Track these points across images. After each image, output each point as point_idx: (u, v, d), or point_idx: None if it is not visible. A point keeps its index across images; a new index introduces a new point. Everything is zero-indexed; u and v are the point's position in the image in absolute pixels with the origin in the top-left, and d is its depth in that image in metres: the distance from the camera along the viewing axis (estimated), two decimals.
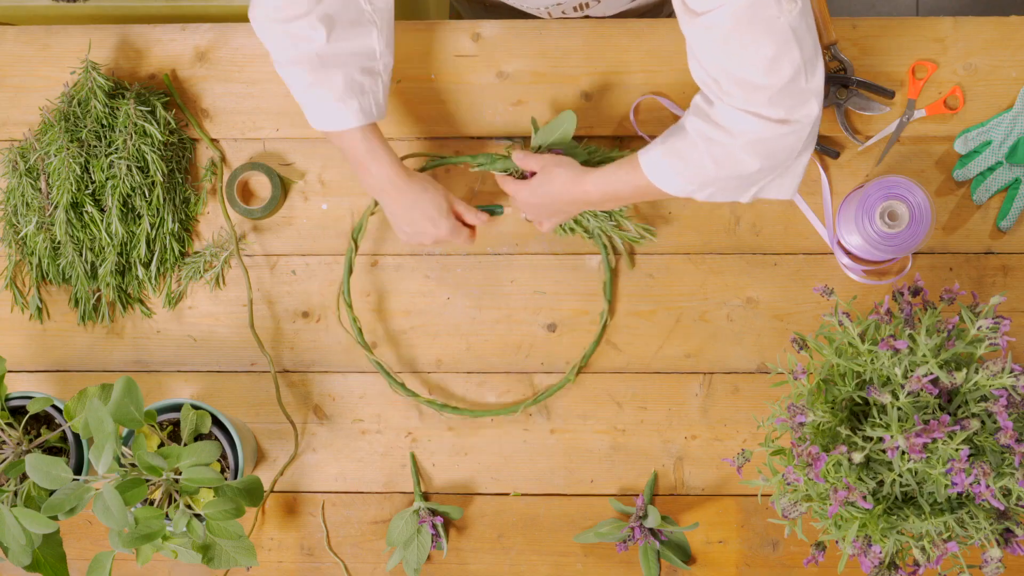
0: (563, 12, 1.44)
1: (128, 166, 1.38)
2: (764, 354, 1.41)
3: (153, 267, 1.41)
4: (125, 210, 1.39)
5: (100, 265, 1.40)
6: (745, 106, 1.10)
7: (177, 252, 1.42)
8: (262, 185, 1.44)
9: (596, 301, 1.42)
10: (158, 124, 1.40)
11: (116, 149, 1.39)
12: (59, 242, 1.39)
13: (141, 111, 1.39)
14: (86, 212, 1.38)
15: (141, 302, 1.43)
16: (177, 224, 1.41)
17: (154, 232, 1.40)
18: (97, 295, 1.42)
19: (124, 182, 1.38)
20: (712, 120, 1.13)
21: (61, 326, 1.44)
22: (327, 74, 1.21)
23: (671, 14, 1.61)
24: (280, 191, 1.42)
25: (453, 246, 1.42)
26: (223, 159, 1.44)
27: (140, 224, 1.39)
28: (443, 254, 1.43)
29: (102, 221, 1.38)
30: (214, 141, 1.45)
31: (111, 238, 1.38)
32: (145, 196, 1.39)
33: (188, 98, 1.46)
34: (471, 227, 1.34)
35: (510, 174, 1.36)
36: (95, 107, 1.39)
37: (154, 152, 1.39)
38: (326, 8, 1.18)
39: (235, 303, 1.44)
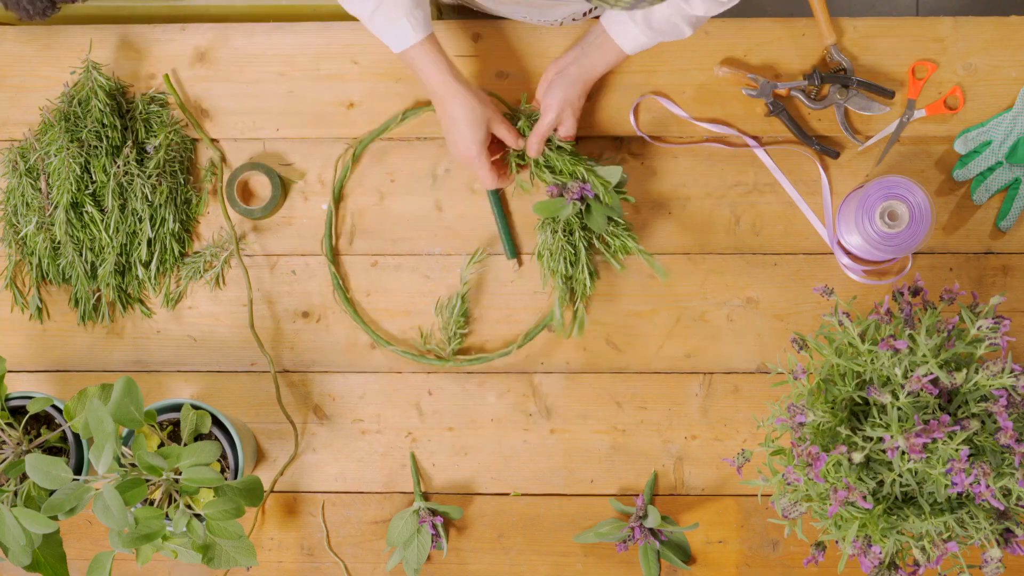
0: (573, 19, 1.45)
1: (129, 166, 1.38)
2: (764, 354, 1.41)
3: (153, 267, 1.41)
4: (125, 210, 1.39)
5: (100, 265, 1.40)
6: None
7: (177, 252, 1.42)
8: (262, 185, 1.44)
9: (596, 301, 1.42)
10: (159, 124, 1.40)
11: (116, 149, 1.39)
12: (59, 242, 1.39)
13: (143, 111, 1.39)
14: (86, 212, 1.38)
15: (141, 302, 1.43)
16: (178, 224, 1.41)
17: (154, 232, 1.40)
18: (97, 295, 1.42)
19: (125, 182, 1.38)
20: None
21: (61, 326, 1.44)
22: None
23: None
24: (280, 191, 1.42)
25: (456, 230, 1.44)
26: (223, 159, 1.44)
27: (141, 225, 1.39)
28: (443, 254, 1.43)
29: (102, 221, 1.38)
30: (214, 141, 1.45)
31: (111, 239, 1.38)
32: (147, 197, 1.39)
33: (188, 98, 1.45)
34: (501, 172, 1.38)
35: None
36: (95, 107, 1.39)
37: (156, 152, 1.39)
38: None
39: (235, 303, 1.44)
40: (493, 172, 1.36)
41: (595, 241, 1.39)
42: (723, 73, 1.42)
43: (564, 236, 1.38)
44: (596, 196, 1.36)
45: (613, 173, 1.38)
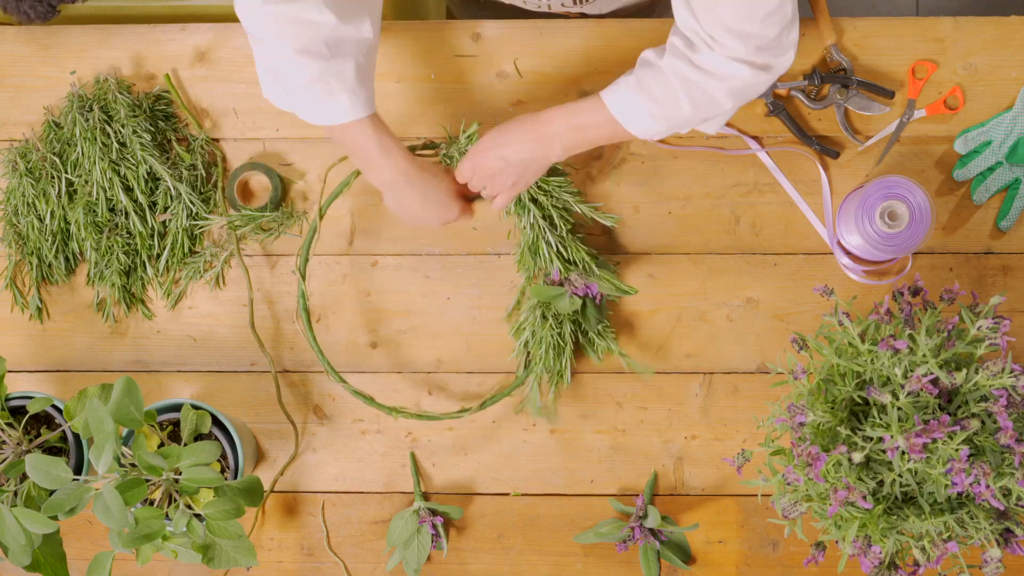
0: (563, 5, 1.44)
1: (146, 164, 1.39)
2: (764, 354, 1.41)
3: (162, 264, 1.41)
4: (140, 210, 1.40)
5: (107, 266, 1.40)
6: (736, 55, 1.12)
7: (187, 250, 1.42)
8: (262, 185, 1.44)
9: None
10: (166, 122, 1.41)
11: (128, 147, 1.39)
12: (67, 241, 1.40)
13: (147, 109, 1.40)
14: (99, 210, 1.39)
15: (143, 303, 1.43)
16: (190, 222, 1.41)
17: (168, 228, 1.40)
18: (102, 296, 1.42)
19: (140, 181, 1.39)
20: (696, 65, 1.14)
21: (61, 326, 1.44)
22: (338, 63, 1.13)
23: (663, 14, 1.62)
24: (280, 191, 1.42)
25: (456, 230, 1.41)
26: (223, 159, 1.44)
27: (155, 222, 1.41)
28: (442, 254, 1.43)
29: (128, 218, 1.40)
30: (214, 141, 1.45)
31: (135, 235, 1.39)
32: (170, 194, 1.40)
33: (189, 98, 1.45)
34: (465, 208, 1.33)
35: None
36: (109, 107, 1.40)
37: (175, 152, 1.40)
38: None
39: (235, 303, 1.44)
40: (471, 207, 1.33)
41: (580, 336, 1.39)
42: None
43: (555, 325, 1.36)
44: (595, 297, 1.35)
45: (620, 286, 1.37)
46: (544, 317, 1.36)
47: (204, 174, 1.43)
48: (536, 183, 1.35)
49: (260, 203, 1.43)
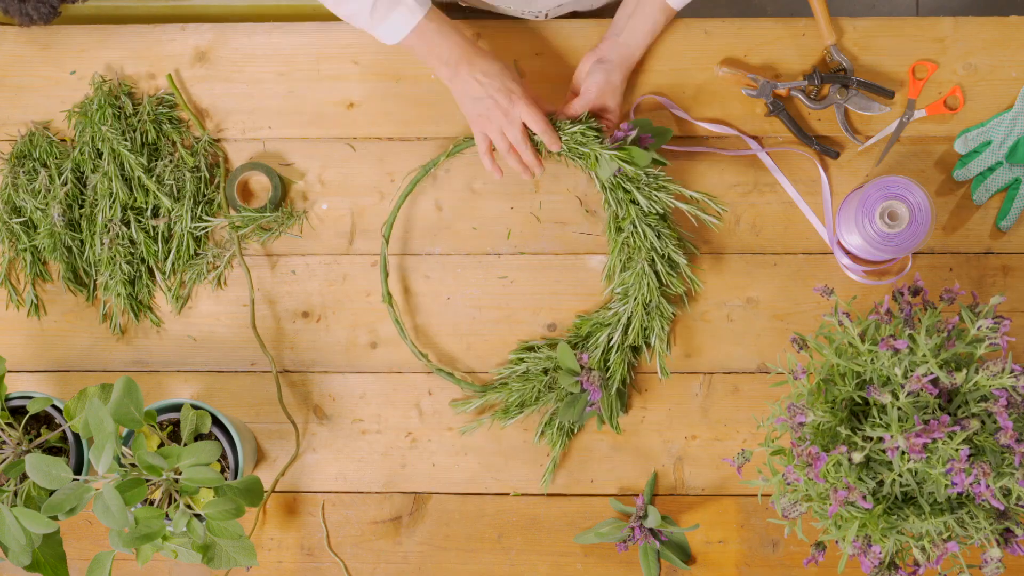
0: (559, 5, 1.45)
1: (157, 169, 1.40)
2: (764, 354, 1.41)
3: (168, 267, 1.41)
4: (143, 216, 1.41)
5: (111, 276, 1.40)
6: None
7: (192, 252, 1.42)
8: (262, 185, 1.44)
9: (596, 301, 1.42)
10: (169, 125, 1.42)
11: (154, 152, 1.41)
12: (75, 245, 1.41)
13: (151, 112, 1.41)
14: (135, 219, 1.42)
15: (150, 309, 1.43)
16: (192, 224, 1.41)
17: (173, 232, 1.41)
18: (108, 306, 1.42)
19: (139, 191, 1.40)
20: None
21: (61, 326, 1.44)
22: None
23: None
24: (281, 191, 1.42)
25: (456, 230, 1.42)
26: (225, 159, 1.44)
27: (163, 228, 1.42)
28: (442, 254, 1.43)
29: (116, 229, 1.40)
30: (216, 141, 1.45)
31: (138, 243, 1.40)
32: (174, 195, 1.41)
33: (190, 97, 1.45)
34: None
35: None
36: (117, 110, 1.41)
37: (183, 156, 1.41)
38: None
39: (235, 303, 1.44)
40: (537, 110, 1.32)
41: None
42: (723, 73, 1.42)
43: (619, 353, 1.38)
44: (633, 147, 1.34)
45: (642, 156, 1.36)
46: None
47: (208, 175, 1.43)
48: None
49: (260, 203, 1.43)
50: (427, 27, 1.29)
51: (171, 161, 1.41)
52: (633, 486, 1.41)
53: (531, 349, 1.41)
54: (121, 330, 1.43)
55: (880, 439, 1.08)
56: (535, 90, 1.43)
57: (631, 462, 1.41)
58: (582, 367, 1.36)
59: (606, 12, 1.52)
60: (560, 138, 1.33)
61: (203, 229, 1.41)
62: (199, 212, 1.41)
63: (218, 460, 1.31)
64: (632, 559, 1.39)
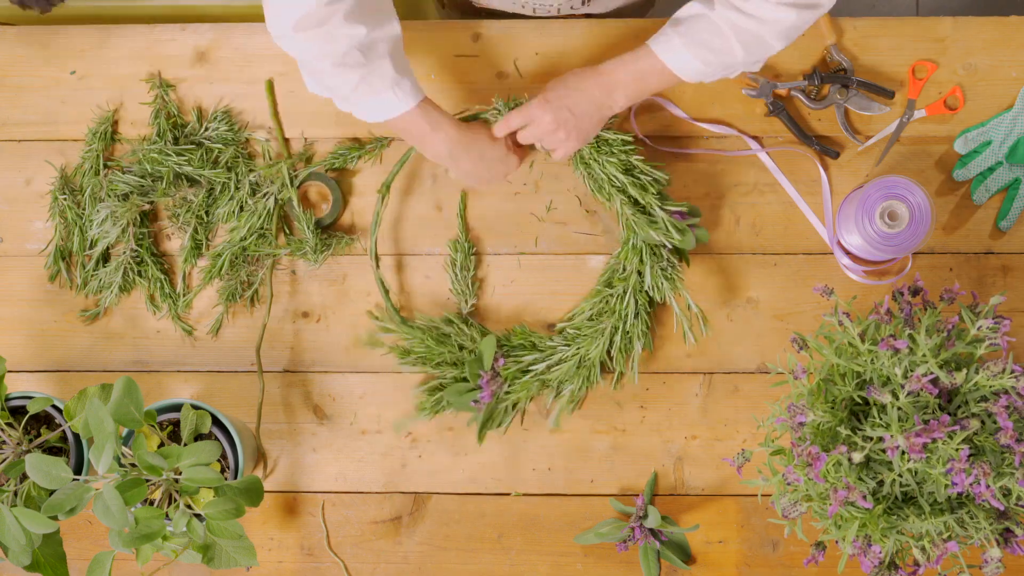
0: (572, 8, 1.44)
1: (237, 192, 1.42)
2: (764, 354, 1.41)
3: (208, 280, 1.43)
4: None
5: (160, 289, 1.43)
6: (791, 1, 1.17)
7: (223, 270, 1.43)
8: (323, 195, 1.43)
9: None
10: (226, 143, 1.44)
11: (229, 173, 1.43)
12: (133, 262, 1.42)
13: (208, 129, 1.43)
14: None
15: (181, 320, 1.43)
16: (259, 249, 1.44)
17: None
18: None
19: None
20: (746, 13, 1.18)
21: (61, 326, 1.44)
22: (376, 64, 1.19)
23: (657, 14, 1.62)
24: (341, 203, 1.42)
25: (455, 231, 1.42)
26: (293, 165, 1.44)
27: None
28: (442, 254, 1.43)
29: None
30: (287, 140, 1.44)
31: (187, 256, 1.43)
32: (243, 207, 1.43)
33: (188, 98, 1.46)
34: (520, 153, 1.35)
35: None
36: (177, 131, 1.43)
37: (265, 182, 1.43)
38: (347, 6, 1.15)
39: (235, 303, 1.44)
40: (519, 156, 1.35)
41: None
42: None
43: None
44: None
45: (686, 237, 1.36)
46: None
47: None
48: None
49: (319, 213, 1.43)
50: (422, 109, 1.25)
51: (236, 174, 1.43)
52: (633, 486, 1.41)
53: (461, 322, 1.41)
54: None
55: (880, 439, 1.08)
56: (534, 90, 1.43)
57: (631, 462, 1.41)
58: (492, 369, 1.36)
59: (618, 15, 1.51)
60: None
61: (270, 254, 1.41)
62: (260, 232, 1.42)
63: (218, 460, 1.31)
64: (632, 559, 1.39)
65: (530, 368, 1.38)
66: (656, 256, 1.36)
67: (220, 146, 1.42)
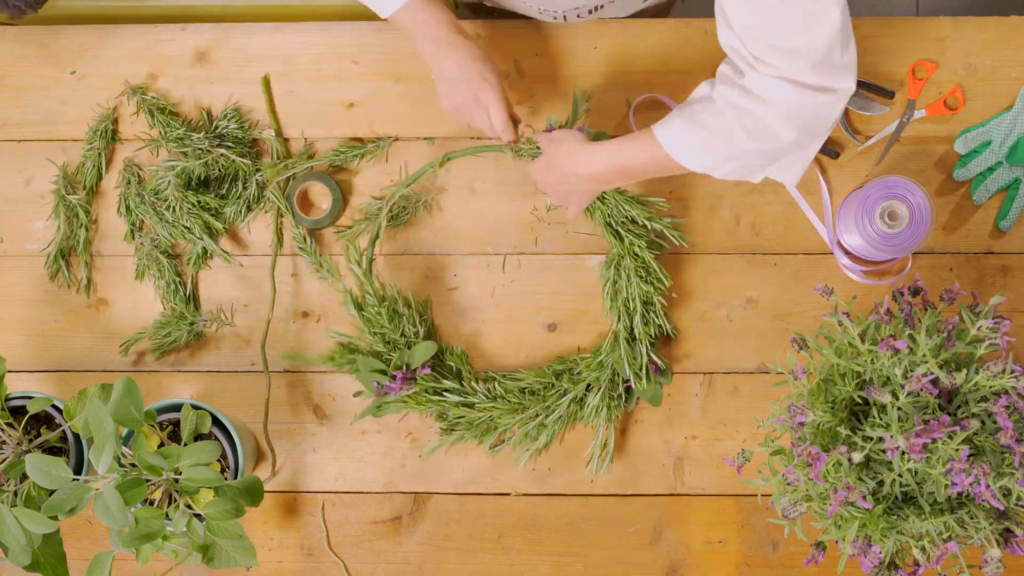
0: (578, 16, 1.44)
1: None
2: (764, 354, 1.41)
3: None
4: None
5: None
6: (784, 74, 1.06)
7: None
8: (322, 195, 1.43)
9: (596, 301, 1.42)
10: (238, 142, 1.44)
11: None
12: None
13: (218, 127, 1.43)
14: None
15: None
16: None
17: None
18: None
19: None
20: (745, 90, 1.09)
21: (61, 326, 1.44)
22: None
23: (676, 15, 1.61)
24: (340, 203, 1.42)
25: (457, 230, 1.39)
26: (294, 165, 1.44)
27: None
28: (442, 254, 1.43)
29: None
30: (285, 140, 1.44)
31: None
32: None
33: (188, 98, 1.46)
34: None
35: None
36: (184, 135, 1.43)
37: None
38: None
39: (235, 303, 1.44)
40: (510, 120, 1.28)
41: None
42: None
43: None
44: None
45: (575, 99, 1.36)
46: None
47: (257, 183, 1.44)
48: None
49: (318, 213, 1.43)
50: (417, 4, 1.25)
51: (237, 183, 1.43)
52: (633, 486, 1.41)
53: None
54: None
55: (880, 439, 1.08)
56: (534, 90, 1.44)
57: (631, 462, 1.41)
58: (413, 372, 1.37)
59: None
60: (515, 133, 1.29)
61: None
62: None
63: (218, 460, 1.31)
64: (633, 560, 1.39)
65: (444, 394, 1.38)
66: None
67: (233, 145, 1.42)
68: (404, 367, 1.36)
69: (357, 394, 1.40)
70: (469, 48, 1.26)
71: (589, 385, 1.37)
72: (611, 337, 1.38)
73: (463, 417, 1.38)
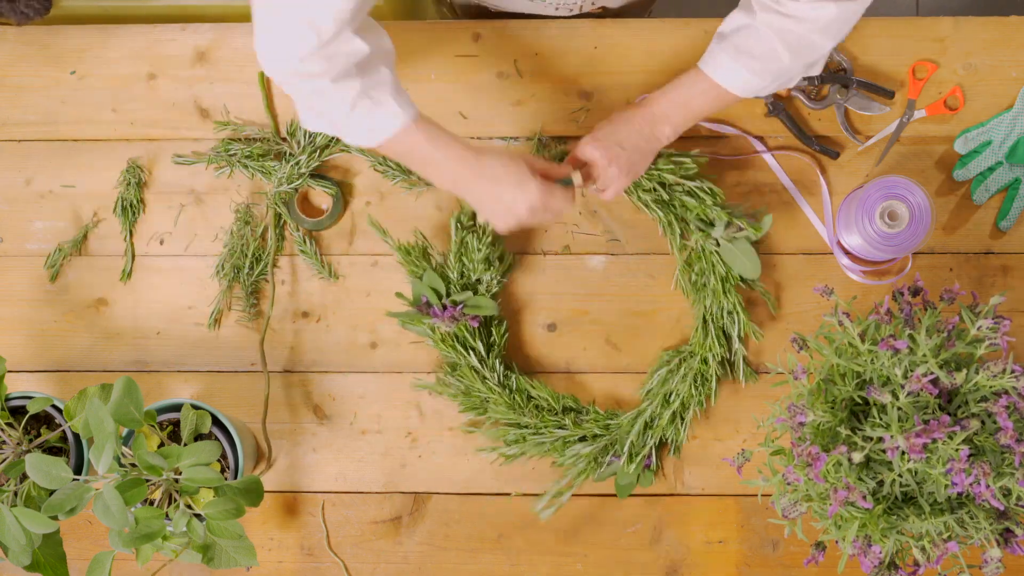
0: (581, 7, 1.44)
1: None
2: (764, 354, 1.41)
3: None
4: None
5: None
6: None
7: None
8: (322, 197, 1.43)
9: (596, 301, 1.42)
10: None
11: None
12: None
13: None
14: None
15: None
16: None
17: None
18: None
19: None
20: (785, 14, 1.15)
21: (61, 326, 1.44)
22: (375, 75, 1.11)
23: (660, 13, 1.62)
24: (341, 205, 1.42)
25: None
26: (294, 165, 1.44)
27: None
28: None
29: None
30: (283, 140, 1.44)
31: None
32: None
33: (187, 98, 1.46)
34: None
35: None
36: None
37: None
38: (349, 26, 1.07)
39: (235, 303, 1.44)
40: (565, 194, 1.22)
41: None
42: None
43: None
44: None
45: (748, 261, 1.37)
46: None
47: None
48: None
49: (318, 215, 1.43)
50: (419, 131, 1.15)
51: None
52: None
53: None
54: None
55: (880, 439, 1.08)
56: (534, 90, 1.43)
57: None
58: (444, 306, 1.36)
59: (626, 13, 1.51)
60: (574, 198, 1.24)
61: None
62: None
63: (218, 460, 1.31)
64: (632, 560, 1.39)
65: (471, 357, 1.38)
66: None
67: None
68: (459, 305, 1.36)
69: (398, 294, 1.39)
70: (494, 158, 1.18)
71: (606, 447, 1.38)
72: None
73: (488, 412, 1.38)
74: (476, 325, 1.37)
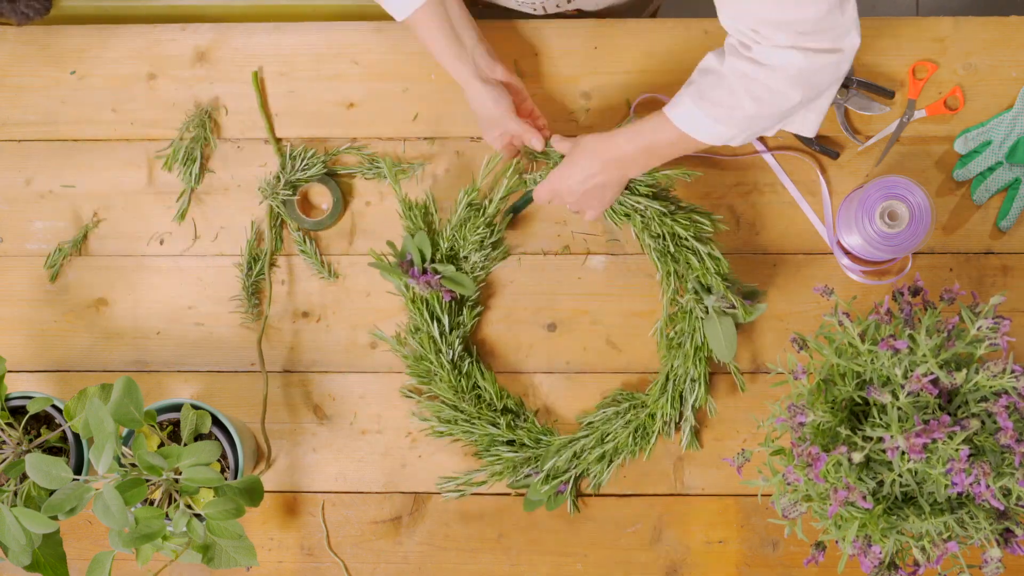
0: (557, 6, 1.44)
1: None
2: (764, 354, 1.41)
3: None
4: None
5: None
6: (782, 43, 1.10)
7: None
8: (322, 196, 1.43)
9: (596, 301, 1.42)
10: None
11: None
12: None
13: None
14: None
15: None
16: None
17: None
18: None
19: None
20: (752, 60, 1.13)
21: (61, 326, 1.44)
22: None
23: (655, 13, 1.62)
24: (341, 204, 1.42)
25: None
26: (283, 167, 1.44)
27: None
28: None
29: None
30: (279, 140, 1.44)
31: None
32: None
33: (187, 98, 1.46)
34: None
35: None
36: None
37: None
38: None
39: (235, 303, 1.44)
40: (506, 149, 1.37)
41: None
42: None
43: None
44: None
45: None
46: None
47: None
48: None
49: (319, 214, 1.43)
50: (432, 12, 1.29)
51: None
52: (633, 486, 1.41)
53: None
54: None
55: (880, 439, 1.08)
56: (532, 90, 1.44)
57: (630, 462, 1.41)
58: (424, 270, 1.37)
59: (609, 14, 1.52)
60: (544, 144, 1.35)
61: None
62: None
63: (218, 460, 1.31)
64: (633, 560, 1.39)
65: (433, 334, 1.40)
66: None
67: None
68: (439, 275, 1.36)
69: (389, 243, 1.39)
70: (483, 91, 1.31)
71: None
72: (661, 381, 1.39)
73: (446, 415, 1.39)
74: (448, 299, 1.37)
